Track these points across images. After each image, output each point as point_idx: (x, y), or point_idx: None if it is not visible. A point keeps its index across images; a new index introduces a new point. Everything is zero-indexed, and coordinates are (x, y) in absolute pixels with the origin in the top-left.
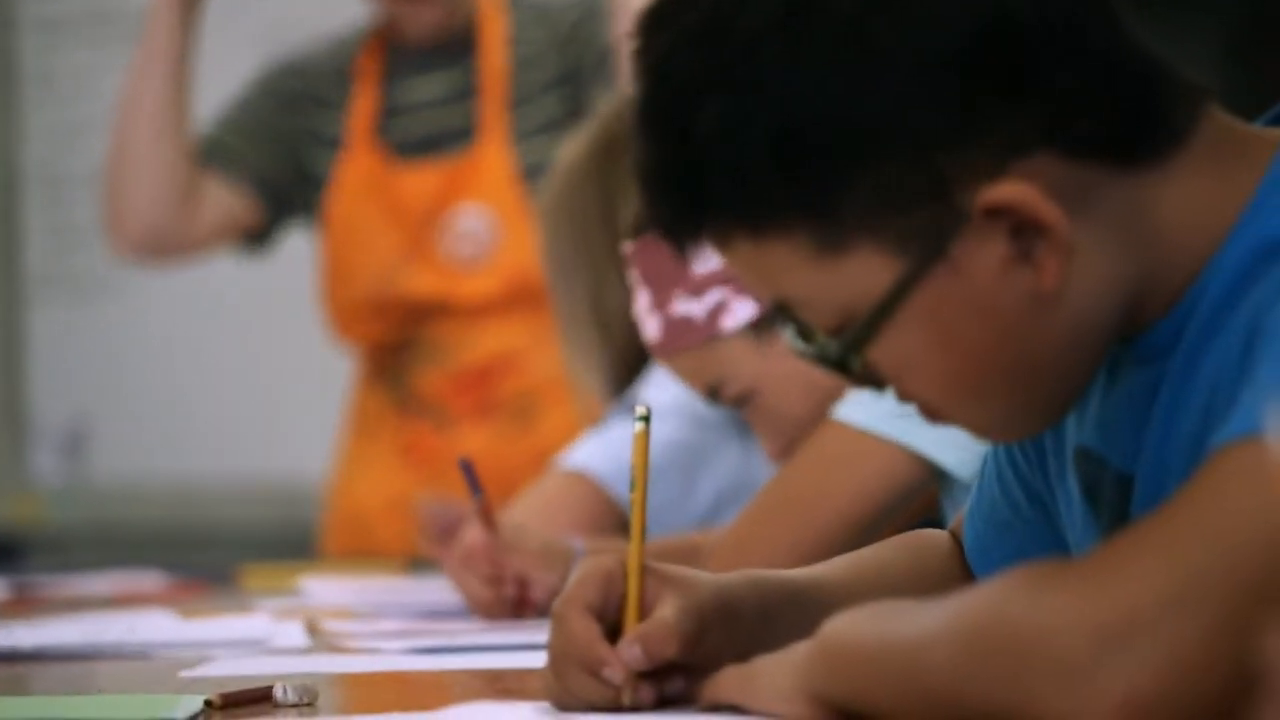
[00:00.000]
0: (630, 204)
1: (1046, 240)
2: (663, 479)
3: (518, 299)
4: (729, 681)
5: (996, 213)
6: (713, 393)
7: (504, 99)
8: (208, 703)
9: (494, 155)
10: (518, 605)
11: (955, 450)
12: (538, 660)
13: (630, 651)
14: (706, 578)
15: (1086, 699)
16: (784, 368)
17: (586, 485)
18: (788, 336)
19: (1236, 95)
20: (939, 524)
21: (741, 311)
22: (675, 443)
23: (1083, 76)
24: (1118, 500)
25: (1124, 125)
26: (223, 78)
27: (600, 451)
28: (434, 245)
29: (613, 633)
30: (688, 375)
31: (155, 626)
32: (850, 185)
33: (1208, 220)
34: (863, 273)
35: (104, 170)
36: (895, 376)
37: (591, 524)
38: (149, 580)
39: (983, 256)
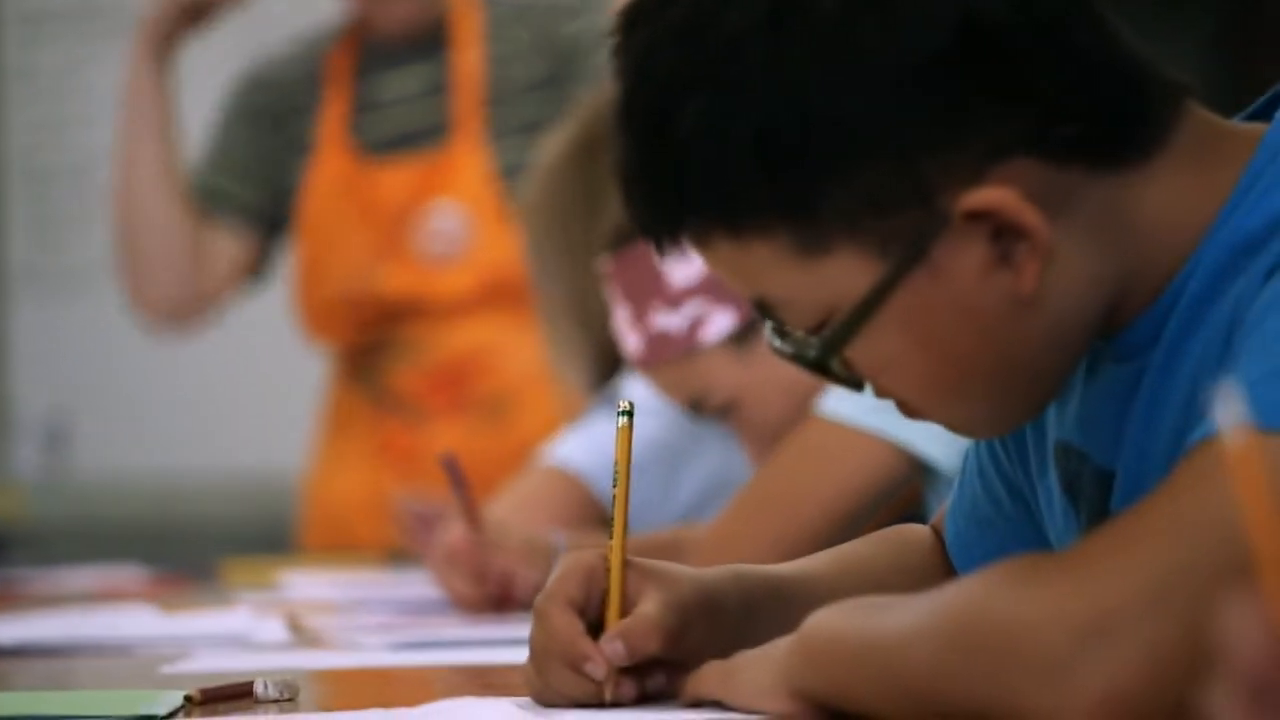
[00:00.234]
0: (612, 201)
1: (1027, 244)
2: (646, 474)
3: (492, 296)
4: (711, 677)
5: (977, 216)
6: (695, 405)
7: (479, 96)
8: (188, 698)
9: (468, 152)
10: (500, 601)
11: (939, 443)
12: (520, 656)
13: (612, 647)
14: (689, 572)
15: (1067, 694)
16: (765, 377)
17: (568, 480)
18: (767, 333)
19: (1219, 89)
20: (922, 518)
21: (720, 323)
22: (658, 438)
23: (1066, 81)
24: (1098, 496)
25: (1106, 128)
26: (203, 79)
27: (582, 447)
28: (408, 243)
29: (594, 628)
30: (669, 388)
31: (136, 622)
32: (832, 187)
33: (1188, 217)
34: (843, 274)
35: (116, 246)
36: (874, 375)
37: (573, 519)
38: (130, 575)
39: (963, 260)
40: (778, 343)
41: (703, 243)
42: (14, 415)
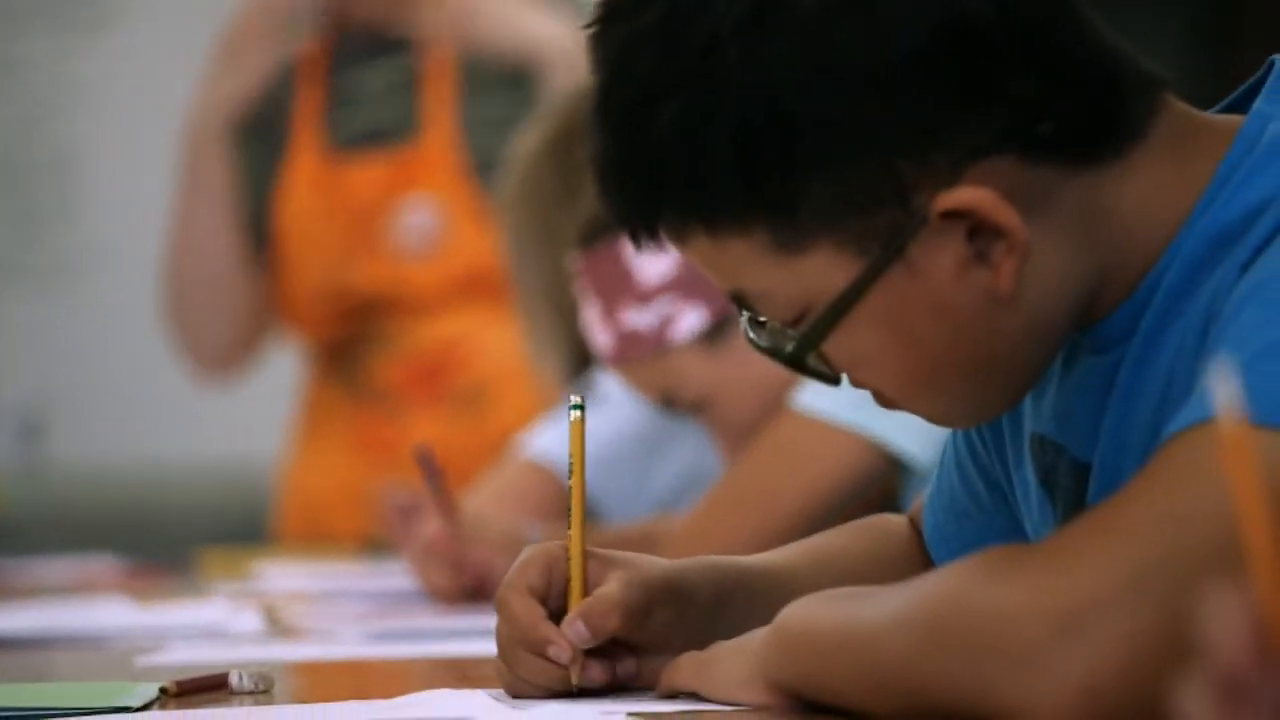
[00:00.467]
0: (589, 193)
1: (1004, 242)
2: (620, 466)
3: (468, 289)
4: (687, 668)
5: (954, 215)
6: (667, 401)
7: (451, 89)
8: (163, 690)
9: (440, 146)
10: (477, 593)
11: (915, 438)
12: (495, 647)
13: (574, 628)
14: (655, 560)
15: (1043, 685)
16: (737, 374)
17: (544, 473)
18: (743, 325)
19: (1202, 79)
20: (897, 511)
21: (691, 320)
22: (632, 430)
23: (1045, 80)
24: (1074, 487)
25: (1084, 126)
26: (192, 71)
27: (559, 439)
28: (381, 237)
29: (558, 617)
30: (640, 385)
31: (111, 613)
32: (809, 186)
33: (1165, 211)
34: (820, 271)
35: (167, 301)
36: (850, 368)
37: (550, 511)
38: (105, 566)
39: (940, 258)
40: (754, 335)
41: (679, 238)
42: None
